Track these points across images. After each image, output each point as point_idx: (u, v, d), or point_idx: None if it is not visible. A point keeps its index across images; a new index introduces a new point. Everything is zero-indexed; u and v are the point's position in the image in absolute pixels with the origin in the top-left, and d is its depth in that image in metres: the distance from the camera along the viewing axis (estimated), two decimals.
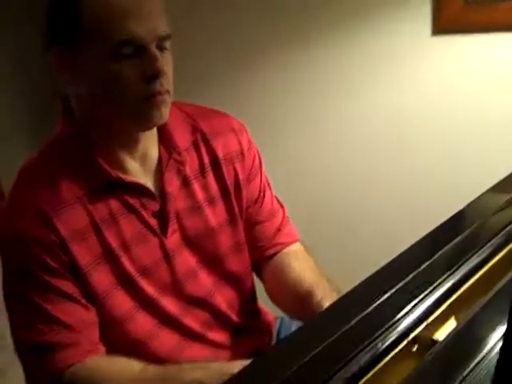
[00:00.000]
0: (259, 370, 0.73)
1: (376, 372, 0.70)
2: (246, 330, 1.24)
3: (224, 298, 1.20)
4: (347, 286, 1.13)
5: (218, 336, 1.20)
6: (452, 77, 1.85)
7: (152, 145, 1.13)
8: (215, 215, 1.17)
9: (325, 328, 0.77)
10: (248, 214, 1.22)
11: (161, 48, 1.02)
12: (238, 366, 0.99)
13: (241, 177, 1.20)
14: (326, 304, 1.10)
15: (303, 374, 0.69)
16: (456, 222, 1.03)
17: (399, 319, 0.76)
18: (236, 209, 1.19)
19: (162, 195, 1.12)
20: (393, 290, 0.81)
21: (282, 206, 1.29)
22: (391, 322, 0.76)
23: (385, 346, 0.73)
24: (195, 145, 1.16)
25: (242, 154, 1.20)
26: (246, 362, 0.99)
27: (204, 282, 1.17)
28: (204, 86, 2.05)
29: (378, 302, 0.80)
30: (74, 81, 1.04)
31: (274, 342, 1.31)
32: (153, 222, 1.11)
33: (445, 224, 1.00)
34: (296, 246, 1.27)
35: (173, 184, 1.13)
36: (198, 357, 1.15)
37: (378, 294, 0.81)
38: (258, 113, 2.06)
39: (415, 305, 0.79)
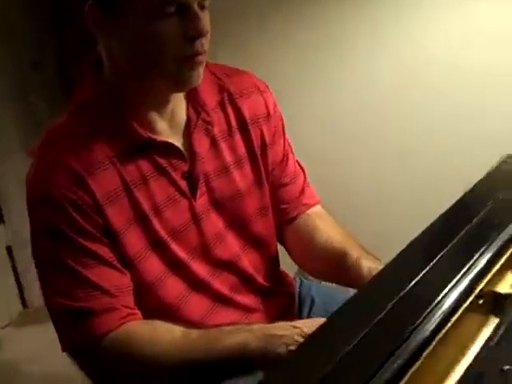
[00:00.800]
0: (328, 335, 0.71)
1: (449, 329, 0.69)
2: (271, 292, 1.23)
3: (250, 262, 1.19)
4: None
5: (246, 299, 1.19)
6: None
7: (180, 104, 1.10)
8: (242, 178, 1.16)
9: (388, 289, 0.75)
10: (273, 177, 1.21)
11: (201, 7, 0.99)
12: (278, 327, 0.99)
13: (267, 139, 1.18)
14: (364, 263, 1.10)
15: (377, 334, 0.68)
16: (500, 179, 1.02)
17: (462, 276, 0.75)
18: (262, 171, 1.18)
19: (190, 156, 1.10)
20: (449, 247, 0.81)
21: (302, 169, 1.28)
22: (454, 281, 0.75)
23: (451, 303, 0.72)
24: (222, 104, 1.14)
25: (268, 115, 1.18)
26: (285, 324, 0.99)
27: (231, 246, 1.16)
28: None
29: (435, 260, 0.79)
30: (110, 37, 1.01)
31: (296, 303, 1.31)
32: (182, 183, 1.09)
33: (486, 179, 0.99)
34: (318, 208, 1.26)
35: (201, 144, 1.11)
36: (228, 321, 1.12)
37: (433, 253, 0.80)
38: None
39: (475, 261, 0.78)
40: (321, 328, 0.72)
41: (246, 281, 1.19)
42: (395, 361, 0.64)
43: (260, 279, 1.21)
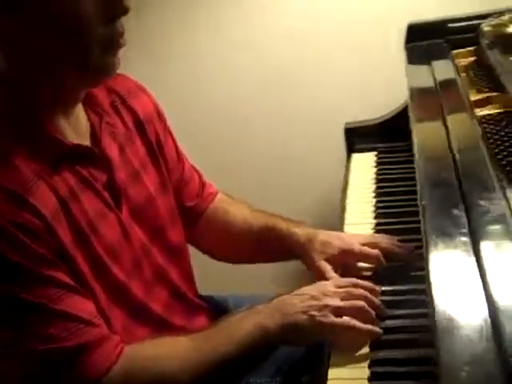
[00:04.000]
0: None
1: None
2: (198, 308, 1.14)
3: (174, 274, 1.08)
4: None
5: (179, 319, 1.07)
6: None
7: (80, 107, 0.96)
8: (150, 181, 1.05)
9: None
10: (175, 177, 1.13)
11: None
12: (283, 299, 0.94)
13: (161, 138, 1.10)
14: (298, 231, 1.11)
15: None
16: None
17: None
18: (165, 172, 1.09)
19: (106, 164, 0.96)
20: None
21: (192, 165, 1.23)
22: None
23: None
24: (114, 106, 1.03)
25: (158, 112, 1.11)
26: (286, 296, 0.95)
27: (156, 258, 1.04)
28: None
29: None
30: (15, 26, 0.84)
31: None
32: (105, 195, 0.95)
33: None
34: (221, 195, 1.24)
35: (112, 150, 0.98)
36: None
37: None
38: None
39: None
40: None
41: (176, 295, 1.08)
42: None
43: (187, 292, 1.11)
